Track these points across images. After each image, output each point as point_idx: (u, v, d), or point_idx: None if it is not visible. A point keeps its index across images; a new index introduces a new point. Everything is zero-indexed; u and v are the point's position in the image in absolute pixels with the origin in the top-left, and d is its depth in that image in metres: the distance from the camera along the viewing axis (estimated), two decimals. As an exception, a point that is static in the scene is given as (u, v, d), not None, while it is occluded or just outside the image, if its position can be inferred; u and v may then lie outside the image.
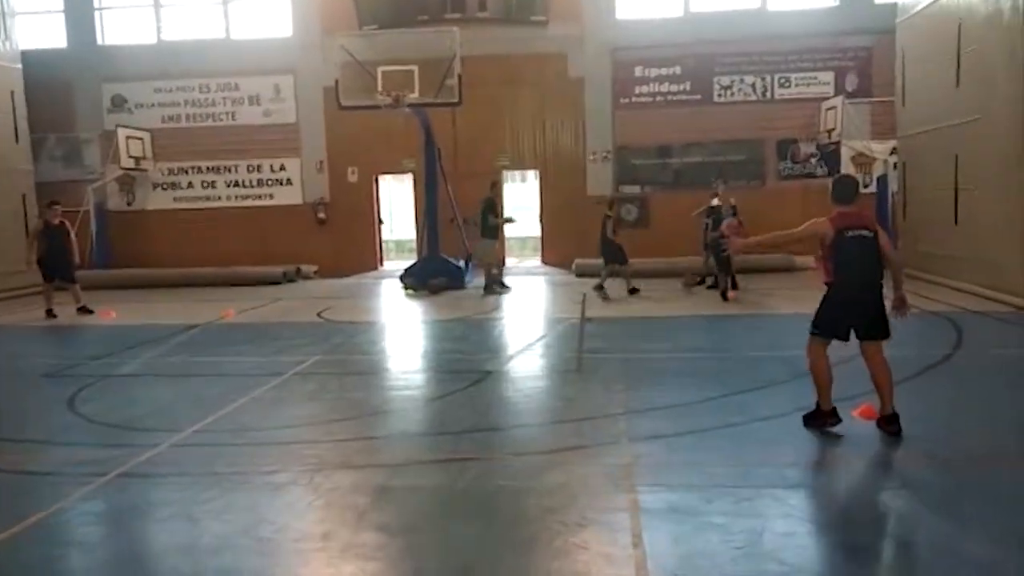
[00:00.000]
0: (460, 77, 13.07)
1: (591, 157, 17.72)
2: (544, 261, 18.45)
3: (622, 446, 5.39)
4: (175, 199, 18.73)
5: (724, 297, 12.13)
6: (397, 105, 12.83)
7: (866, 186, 16.87)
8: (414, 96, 12.96)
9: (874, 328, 5.28)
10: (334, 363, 8.46)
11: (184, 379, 7.99)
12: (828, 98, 16.68)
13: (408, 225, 19.61)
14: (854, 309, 5.27)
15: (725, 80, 17.34)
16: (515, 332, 10.79)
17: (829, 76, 17.08)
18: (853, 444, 5.28)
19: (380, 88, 12.86)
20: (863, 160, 16.87)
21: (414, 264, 15.19)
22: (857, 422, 5.55)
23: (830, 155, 17.11)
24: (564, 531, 4.04)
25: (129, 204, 18.79)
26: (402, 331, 11.11)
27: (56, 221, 12.41)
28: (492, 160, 18.00)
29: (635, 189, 17.72)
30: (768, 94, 17.29)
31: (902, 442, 5.24)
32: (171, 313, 12.68)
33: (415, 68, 12.97)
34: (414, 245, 17.92)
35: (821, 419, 5.42)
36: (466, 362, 8.60)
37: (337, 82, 13.51)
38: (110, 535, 4.43)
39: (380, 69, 12.96)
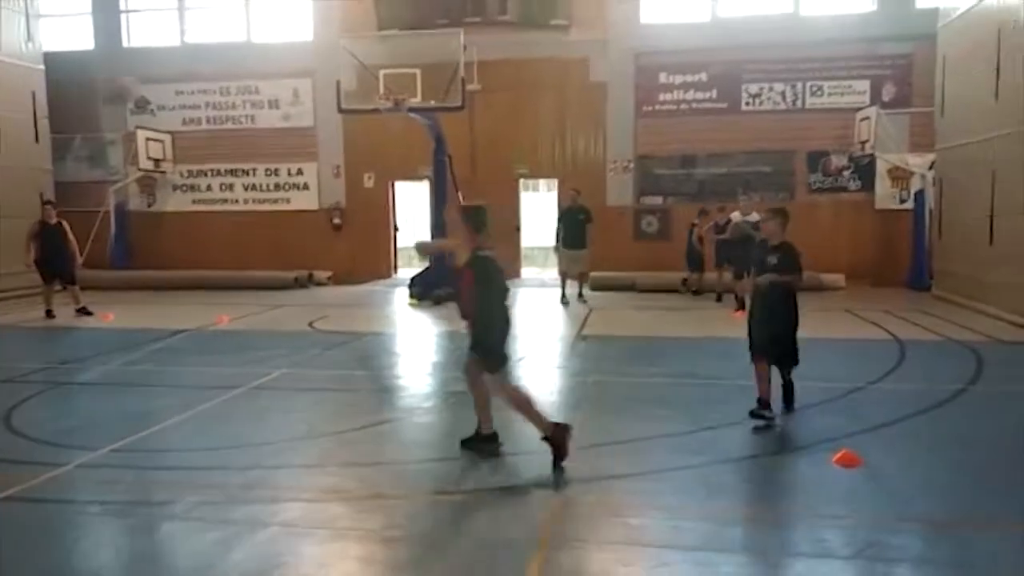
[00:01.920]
0: (464, 81, 12.63)
1: (612, 166, 17.10)
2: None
3: (554, 488, 4.83)
4: (193, 201, 18.72)
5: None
6: (397, 109, 12.46)
7: (903, 201, 15.97)
8: (415, 100, 12.56)
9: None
10: (296, 377, 8.03)
11: (137, 389, 7.67)
12: (863, 108, 15.76)
13: (426, 232, 19.20)
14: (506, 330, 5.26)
15: (753, 88, 16.55)
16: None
17: (865, 85, 16.16)
18: (815, 498, 4.62)
19: (381, 91, 12.50)
20: (899, 174, 15.87)
21: (421, 273, 14.77)
22: (829, 468, 4.92)
23: (864, 168, 16.17)
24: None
25: (149, 205, 18.86)
26: (383, 345, 10.61)
27: (53, 221, 12.29)
28: (511, 167, 17.54)
29: (657, 200, 17.04)
30: (799, 103, 16.44)
31: (872, 499, 4.56)
32: (167, 317, 12.46)
33: (417, 71, 12.59)
34: (430, 253, 17.48)
35: (482, 443, 5.29)
36: (434, 383, 8.14)
37: (339, 84, 13.20)
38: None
39: (381, 72, 12.60)
